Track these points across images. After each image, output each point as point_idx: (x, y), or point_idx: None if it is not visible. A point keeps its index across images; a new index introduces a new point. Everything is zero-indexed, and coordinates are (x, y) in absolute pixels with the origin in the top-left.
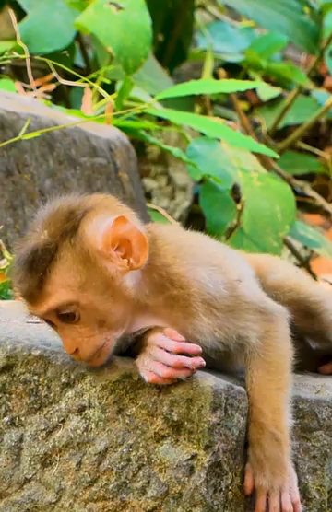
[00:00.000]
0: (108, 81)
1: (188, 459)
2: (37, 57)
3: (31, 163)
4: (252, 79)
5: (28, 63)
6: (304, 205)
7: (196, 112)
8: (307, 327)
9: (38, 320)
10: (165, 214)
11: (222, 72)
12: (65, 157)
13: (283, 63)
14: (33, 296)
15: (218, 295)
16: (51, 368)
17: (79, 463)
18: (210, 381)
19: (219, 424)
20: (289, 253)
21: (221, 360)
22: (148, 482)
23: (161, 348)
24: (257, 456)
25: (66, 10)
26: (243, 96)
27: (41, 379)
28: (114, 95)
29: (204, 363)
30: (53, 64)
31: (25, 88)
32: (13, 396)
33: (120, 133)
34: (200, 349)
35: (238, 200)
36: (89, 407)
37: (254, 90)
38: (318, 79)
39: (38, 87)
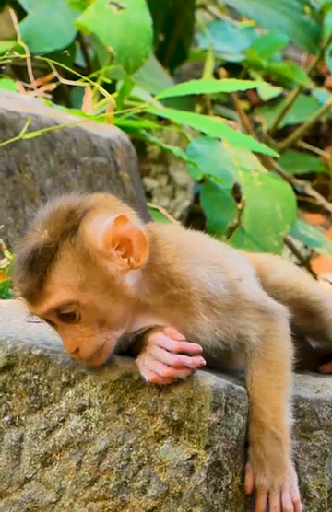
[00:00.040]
0: (109, 81)
1: (188, 459)
2: (38, 57)
3: (32, 162)
4: (252, 79)
5: (28, 62)
6: (305, 205)
7: (197, 112)
8: (307, 326)
9: (38, 320)
10: (166, 213)
11: (223, 71)
12: (66, 156)
13: (284, 62)
14: (34, 295)
15: (218, 294)
16: (51, 368)
17: (79, 463)
18: (211, 381)
19: (219, 423)
20: (289, 252)
21: (222, 359)
22: (149, 482)
23: (162, 347)
24: (258, 455)
25: (67, 10)
26: (243, 95)
27: (41, 379)
28: (115, 94)
29: (204, 362)
30: (54, 64)
31: (26, 88)
32: (13, 395)
33: (120, 132)
34: (200, 348)
35: (239, 199)
36: (90, 406)
37: (254, 90)
38: (319, 79)
39: (38, 87)
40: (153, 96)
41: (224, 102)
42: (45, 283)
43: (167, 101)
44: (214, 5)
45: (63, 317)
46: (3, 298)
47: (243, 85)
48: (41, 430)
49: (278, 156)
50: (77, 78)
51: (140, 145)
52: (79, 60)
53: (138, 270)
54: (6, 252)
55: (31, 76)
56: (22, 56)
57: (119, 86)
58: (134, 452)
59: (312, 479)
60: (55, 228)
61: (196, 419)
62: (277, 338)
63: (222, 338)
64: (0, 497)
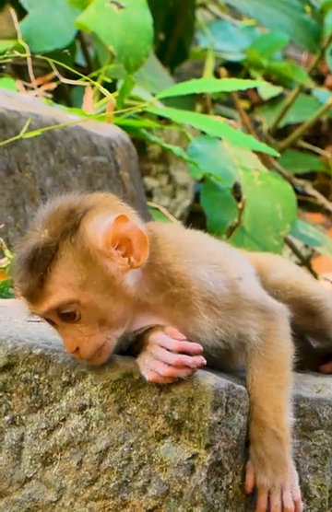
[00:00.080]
0: (109, 80)
1: (189, 458)
2: (38, 56)
3: (32, 162)
4: (253, 78)
5: (29, 61)
6: (305, 204)
7: (197, 111)
8: (308, 325)
9: (38, 319)
10: (166, 212)
11: (223, 71)
12: (66, 155)
13: (284, 61)
14: (34, 295)
15: (218, 293)
16: (52, 367)
17: (80, 462)
18: (211, 380)
19: (219, 423)
20: (290, 252)
21: (222, 359)
22: (149, 482)
23: (162, 347)
24: (259, 454)
25: (67, 9)
26: (244, 95)
27: (41, 378)
28: (115, 94)
29: (205, 362)
30: (55, 63)
31: (26, 87)
32: (14, 395)
33: (121, 131)
34: (201, 348)
35: (239, 199)
36: (90, 406)
37: (255, 89)
38: (319, 78)
39: (39, 86)
40: (154, 95)
41: (224, 101)
42: (46, 282)
43: (167, 101)
44: (214, 4)
45: (63, 316)
46: (3, 298)
47: (243, 84)
48: (42, 429)
49: (278, 155)
50: (77, 77)
51: (141, 144)
52: (80, 59)
53: (139, 269)
54: (7, 252)
55: (32, 76)
56: (23, 55)
57: (119, 85)
58: (134, 452)
59: (312, 478)
60: (56, 228)
61: (197, 418)
62: (277, 337)
63: (223, 337)
64: (1, 497)
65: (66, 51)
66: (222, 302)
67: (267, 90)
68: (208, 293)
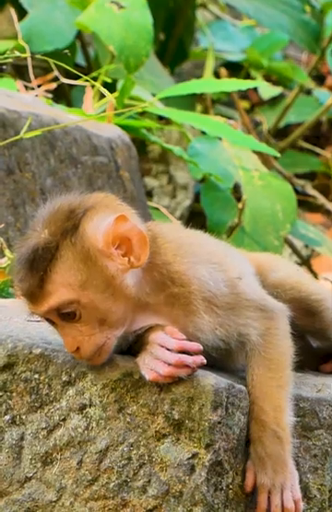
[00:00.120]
0: (109, 80)
1: (189, 458)
2: (38, 56)
3: (32, 162)
4: (253, 78)
5: (29, 61)
6: (305, 204)
7: (198, 111)
8: (308, 325)
9: (38, 319)
10: (166, 212)
11: (223, 71)
12: (67, 155)
13: (284, 61)
14: (34, 294)
15: (218, 292)
16: (52, 367)
17: (80, 462)
18: (211, 380)
19: (219, 422)
20: (290, 252)
21: (222, 358)
22: (149, 481)
23: (162, 346)
24: (259, 453)
25: (68, 9)
26: (244, 95)
27: (41, 378)
28: (115, 94)
29: (205, 361)
30: (55, 63)
31: (26, 87)
32: (14, 394)
33: (121, 131)
34: (201, 347)
35: (239, 199)
36: (90, 405)
37: (255, 89)
38: (319, 78)
39: (39, 86)
40: (154, 95)
41: (225, 102)
42: (46, 282)
43: (167, 101)
44: (214, 4)
45: (63, 316)
46: (3, 297)
47: (243, 84)
48: (42, 429)
49: (278, 155)
50: (77, 77)
51: (141, 144)
52: (80, 59)
53: (139, 269)
54: (7, 251)
55: (32, 76)
56: (23, 55)
57: (120, 85)
58: (134, 451)
59: (312, 478)
60: (56, 228)
61: (197, 418)
62: (277, 336)
63: (223, 337)
64: (1, 496)
65: (67, 51)
66: (222, 301)
67: (268, 90)
68: (208, 292)
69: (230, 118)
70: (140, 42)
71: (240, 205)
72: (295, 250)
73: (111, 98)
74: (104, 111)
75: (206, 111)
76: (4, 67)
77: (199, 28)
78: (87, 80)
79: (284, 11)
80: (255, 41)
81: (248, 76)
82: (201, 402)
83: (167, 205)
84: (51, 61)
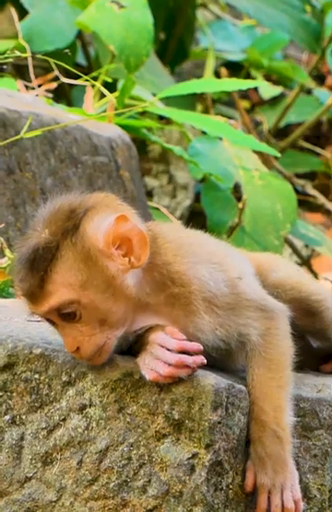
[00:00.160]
0: (109, 79)
1: (189, 458)
2: (39, 55)
3: (33, 161)
4: (253, 78)
5: (29, 61)
6: (305, 204)
7: (198, 111)
8: (308, 325)
9: (39, 319)
10: (166, 212)
11: (224, 70)
12: (67, 155)
13: (285, 61)
14: (34, 295)
15: (218, 292)
16: (52, 367)
17: (80, 462)
18: (211, 380)
19: (219, 422)
20: (290, 252)
21: (222, 358)
22: (149, 481)
23: (162, 347)
24: (259, 453)
25: (68, 9)
26: (244, 94)
27: (42, 378)
28: (116, 93)
29: (205, 361)
30: (55, 63)
31: (27, 87)
32: (14, 394)
33: (121, 131)
34: (201, 347)
35: (239, 198)
36: (90, 406)
37: (255, 89)
38: (320, 78)
39: (39, 86)
40: (154, 95)
41: (225, 101)
42: (46, 282)
43: (168, 100)
44: (215, 3)
45: (63, 316)
46: (4, 297)
47: (243, 84)
48: (42, 429)
49: (278, 155)
50: (77, 77)
51: (141, 144)
52: (80, 59)
53: (139, 269)
54: (7, 251)
55: (32, 75)
56: (23, 55)
57: (120, 85)
58: (134, 451)
59: (312, 478)
60: (56, 228)
61: (197, 418)
62: (277, 336)
63: (223, 337)
64: (1, 496)
65: (67, 50)
66: (222, 302)
67: (268, 90)
68: (209, 292)
69: (230, 118)
70: (141, 42)
71: (240, 205)
72: (295, 250)
73: (111, 97)
74: (105, 111)
75: (206, 111)
76: (4, 67)
77: (200, 27)
78: (87, 80)
79: (284, 11)
80: (256, 41)
81: (248, 76)
82: (201, 402)
83: (167, 205)
84: (51, 60)
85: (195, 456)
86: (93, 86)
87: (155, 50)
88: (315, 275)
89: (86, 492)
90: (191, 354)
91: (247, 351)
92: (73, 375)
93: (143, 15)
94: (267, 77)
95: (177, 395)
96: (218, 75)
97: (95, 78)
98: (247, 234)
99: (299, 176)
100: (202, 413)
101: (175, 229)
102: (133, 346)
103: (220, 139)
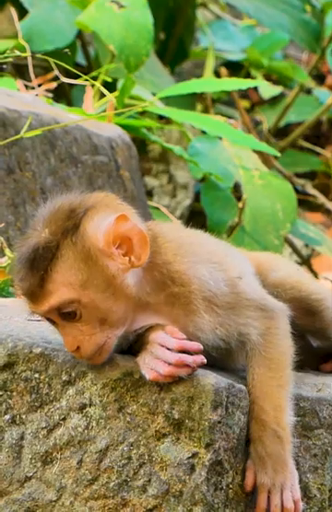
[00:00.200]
0: (109, 79)
1: (189, 458)
2: (38, 55)
3: (33, 161)
4: (253, 77)
5: (29, 61)
6: (305, 203)
7: (198, 111)
8: (308, 325)
9: (39, 318)
10: (166, 212)
11: (224, 70)
12: (67, 154)
13: (285, 61)
14: (34, 294)
15: (218, 292)
16: (52, 366)
17: (80, 461)
18: (211, 379)
19: (219, 422)
20: (290, 251)
21: (222, 358)
22: (149, 481)
23: (162, 346)
24: (259, 453)
25: (68, 8)
26: (244, 94)
27: (42, 377)
28: (116, 93)
29: (205, 361)
30: (55, 62)
31: (26, 86)
32: (14, 394)
33: (121, 131)
34: (201, 347)
35: (239, 198)
36: (90, 405)
37: (255, 88)
38: (319, 77)
39: (39, 85)
40: (154, 94)
41: (225, 101)
42: (46, 281)
43: (168, 100)
44: (215, 3)
45: (64, 315)
46: (4, 297)
47: (243, 83)
48: (42, 428)
49: (278, 154)
50: (77, 77)
51: (141, 143)
52: (80, 58)
53: (139, 268)
54: (7, 251)
55: (32, 75)
56: (23, 55)
57: (120, 84)
58: (134, 451)
59: (312, 478)
60: (56, 227)
61: (197, 418)
62: (277, 336)
63: (223, 336)
64: (0, 496)
65: (67, 50)
66: (222, 301)
67: (268, 90)
68: (209, 292)
69: (230, 117)
70: (140, 42)
71: (240, 205)
72: (295, 250)
73: (111, 97)
74: (104, 111)
75: (206, 111)
76: (4, 66)
77: (199, 27)
78: (87, 79)
79: (284, 10)
80: (256, 41)
81: (248, 76)
82: (201, 402)
83: (167, 205)
84: (51, 60)
85: (195, 455)
86: (93, 85)
87: (155, 49)
88: (315, 275)
89: (86, 491)
90: (191, 354)
91: (247, 350)
92: (73, 374)
93: (143, 14)
94: (267, 77)
95: (177, 394)
96: (218, 74)
97: (95, 78)
98: (247, 233)
99: (299, 175)
100: (202, 413)
101: (175, 229)
102: (133, 346)
103: (220, 139)
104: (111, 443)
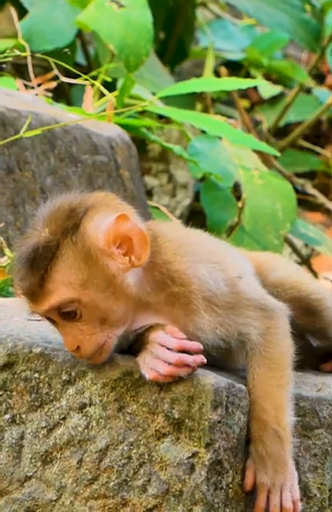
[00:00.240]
0: (109, 79)
1: (189, 457)
2: (38, 55)
3: (32, 161)
4: (253, 77)
5: (29, 60)
6: (305, 203)
7: (198, 110)
8: (308, 324)
9: (39, 318)
10: (166, 211)
11: (223, 70)
12: (66, 154)
13: (284, 61)
14: (35, 293)
15: (218, 292)
16: (52, 366)
17: (80, 461)
18: (211, 379)
19: (219, 421)
20: (290, 251)
21: (222, 357)
22: (149, 480)
23: (162, 346)
24: (260, 453)
25: (68, 8)
26: (244, 94)
27: (41, 377)
28: (115, 93)
29: (205, 360)
30: (55, 62)
31: (26, 86)
32: (14, 393)
33: (121, 130)
34: (201, 347)
35: (239, 198)
36: (90, 405)
37: (255, 88)
38: (319, 77)
39: (39, 85)
40: (154, 94)
41: (225, 100)
42: (46, 281)
43: (167, 100)
44: (215, 3)
45: (64, 315)
46: (3, 296)
47: (243, 83)
48: (42, 428)
49: (278, 154)
50: (77, 76)
51: (141, 143)
52: (80, 58)
53: (139, 268)
54: (7, 250)
55: (32, 74)
56: (23, 54)
57: (119, 84)
58: (134, 450)
59: (312, 477)
60: (56, 226)
61: (197, 417)
62: (277, 336)
63: (223, 336)
64: (0, 495)
65: (67, 50)
66: (222, 301)
67: (268, 89)
68: (209, 292)
69: (230, 117)
70: (140, 41)
71: (240, 204)
72: (295, 250)
73: (111, 97)
74: (104, 110)
75: (206, 110)
76: (4, 66)
77: (199, 27)
78: (87, 79)
79: (284, 10)
80: (255, 40)
81: (248, 75)
82: (201, 402)
83: (167, 204)
84: (51, 60)
85: (194, 455)
86: (93, 85)
87: (155, 49)
88: (315, 275)
89: (86, 491)
90: (191, 354)
91: (247, 350)
92: (73, 374)
93: (142, 14)
94: (267, 77)
95: (177, 394)
96: (217, 74)
97: (95, 78)
98: (247, 233)
99: (298, 175)
100: (202, 413)
101: (175, 228)
102: (133, 345)
103: (220, 138)
104: (111, 442)
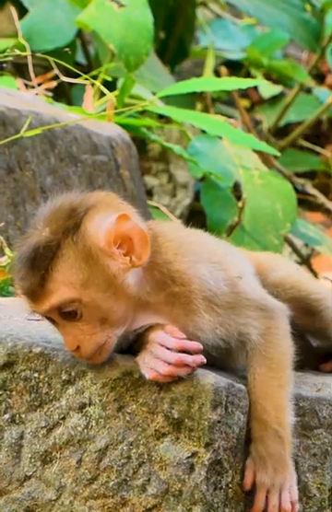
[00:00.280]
0: (109, 78)
1: (188, 457)
2: (38, 54)
3: (33, 160)
4: (253, 77)
5: (29, 60)
6: (305, 203)
7: (198, 110)
8: (308, 324)
9: (39, 318)
10: (166, 211)
11: (224, 69)
12: (67, 154)
13: (284, 60)
14: (35, 293)
15: (218, 291)
16: (51, 366)
17: (80, 461)
18: (211, 379)
19: (219, 421)
20: (290, 251)
21: (222, 357)
22: (149, 480)
23: (162, 346)
24: (260, 452)
25: (68, 7)
26: (244, 93)
27: (41, 377)
28: (116, 92)
29: (205, 360)
30: (55, 62)
31: (26, 85)
32: (13, 393)
33: (121, 130)
34: (201, 347)
35: (239, 197)
36: (90, 404)
37: (255, 88)
38: (319, 77)
39: (39, 85)
40: (154, 94)
41: (225, 100)
42: (47, 281)
43: (168, 99)
44: (215, 2)
45: (64, 315)
46: (3, 296)
47: (243, 83)
48: (42, 428)
49: (278, 154)
50: (77, 76)
51: (141, 143)
52: (80, 57)
53: (140, 268)
54: (7, 250)
55: (32, 74)
56: (23, 54)
57: (120, 83)
58: (134, 450)
59: (312, 477)
60: (57, 226)
61: (197, 417)
62: (277, 336)
63: (223, 336)
64: (0, 495)
65: (67, 49)
66: (223, 301)
67: (268, 89)
68: (209, 291)
69: (230, 117)
70: (140, 41)
71: (240, 204)
72: (295, 249)
73: (111, 96)
74: (104, 110)
75: (206, 110)
76: (4, 65)
77: (199, 26)
78: (87, 79)
79: (284, 10)
80: (256, 40)
81: (248, 75)
82: (201, 401)
83: (167, 204)
84: (51, 59)
85: (194, 455)
86: (93, 84)
87: (155, 49)
88: (315, 274)
89: (85, 491)
90: (191, 354)
91: (247, 350)
92: (73, 373)
93: (143, 14)
94: (267, 76)
95: (177, 394)
96: (217, 73)
97: (95, 77)
98: (247, 233)
99: (299, 175)
100: (202, 412)
101: (175, 228)
102: (133, 345)
103: (220, 138)
104: (110, 442)
